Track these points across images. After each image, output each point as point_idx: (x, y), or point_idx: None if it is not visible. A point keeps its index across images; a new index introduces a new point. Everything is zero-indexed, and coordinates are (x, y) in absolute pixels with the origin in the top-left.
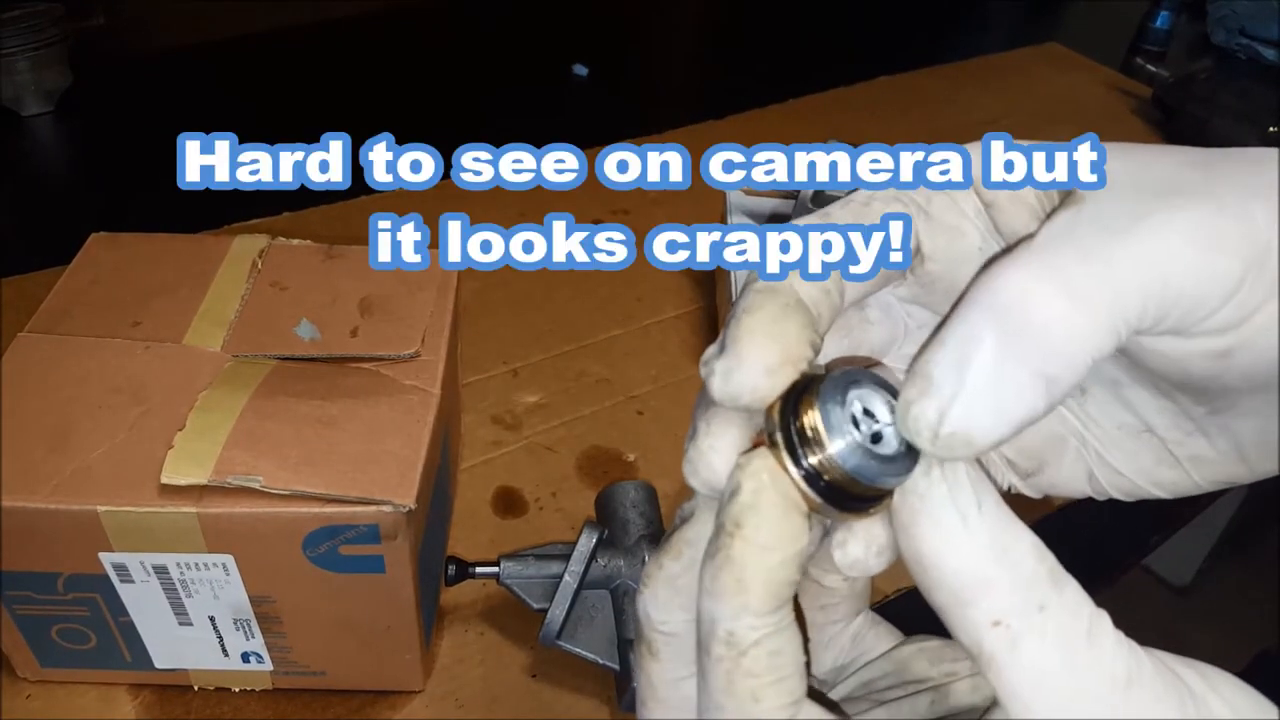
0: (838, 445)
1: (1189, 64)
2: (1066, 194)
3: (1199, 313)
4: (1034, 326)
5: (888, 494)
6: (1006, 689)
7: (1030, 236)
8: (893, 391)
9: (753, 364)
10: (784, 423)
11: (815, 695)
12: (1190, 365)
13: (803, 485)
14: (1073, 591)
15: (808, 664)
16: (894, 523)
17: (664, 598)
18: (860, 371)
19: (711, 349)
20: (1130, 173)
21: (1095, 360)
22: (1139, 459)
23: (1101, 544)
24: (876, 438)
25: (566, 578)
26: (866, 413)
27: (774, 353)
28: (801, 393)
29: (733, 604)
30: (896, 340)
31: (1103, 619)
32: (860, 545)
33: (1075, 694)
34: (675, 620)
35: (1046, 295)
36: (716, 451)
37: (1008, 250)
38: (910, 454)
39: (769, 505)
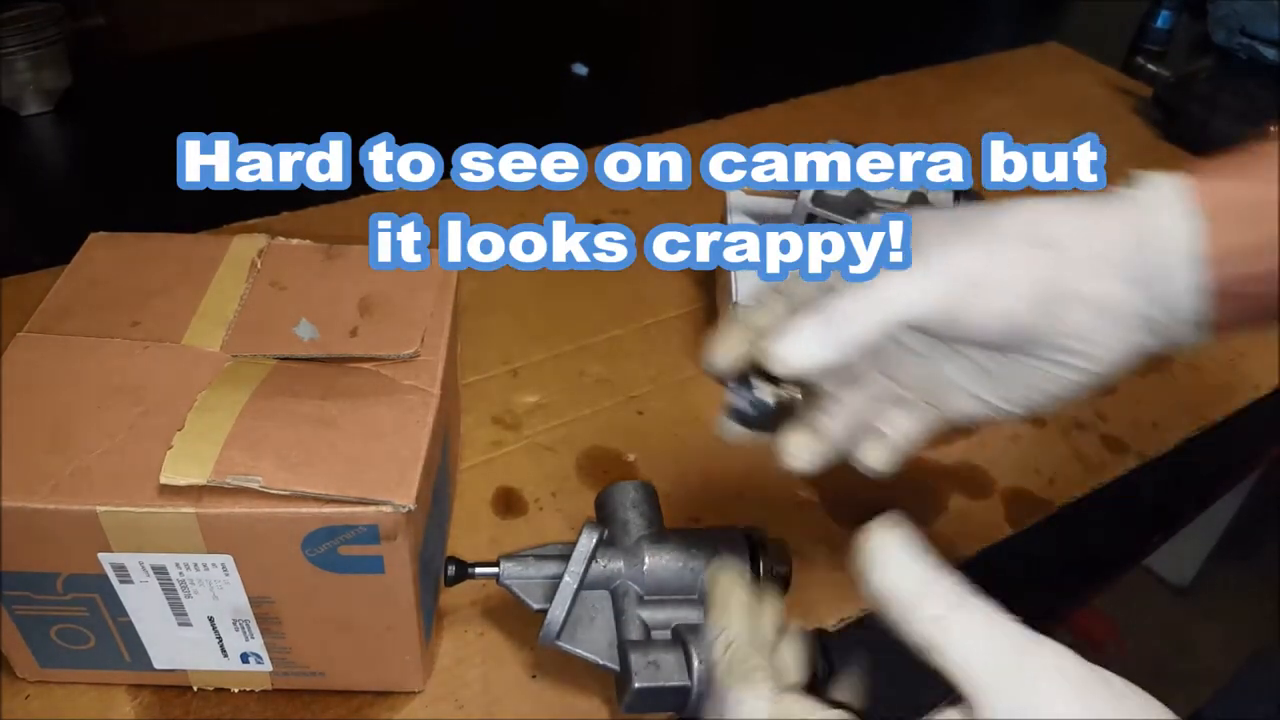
0: (729, 401)
1: (1189, 63)
2: None
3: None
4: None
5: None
6: (950, 665)
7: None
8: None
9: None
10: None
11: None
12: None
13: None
14: (979, 599)
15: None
16: (858, 568)
17: None
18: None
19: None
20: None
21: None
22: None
23: (1102, 544)
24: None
25: (566, 578)
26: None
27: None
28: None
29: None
30: None
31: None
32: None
33: (994, 651)
34: None
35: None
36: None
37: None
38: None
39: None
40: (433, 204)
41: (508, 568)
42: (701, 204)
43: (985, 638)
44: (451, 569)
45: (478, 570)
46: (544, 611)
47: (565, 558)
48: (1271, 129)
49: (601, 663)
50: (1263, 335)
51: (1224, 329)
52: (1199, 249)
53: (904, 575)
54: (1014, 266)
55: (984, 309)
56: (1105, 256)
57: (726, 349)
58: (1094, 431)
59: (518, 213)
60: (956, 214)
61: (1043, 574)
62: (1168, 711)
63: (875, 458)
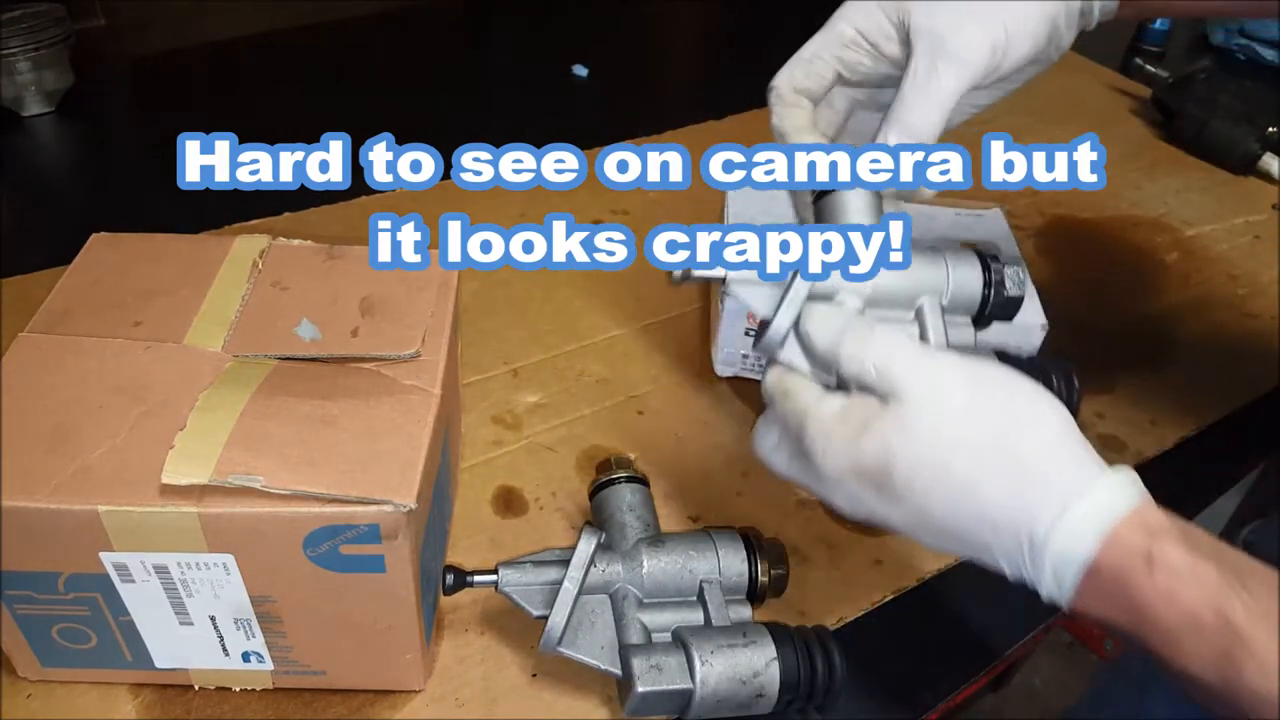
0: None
1: (1188, 64)
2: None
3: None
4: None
5: None
6: (875, 370)
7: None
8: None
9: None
10: None
11: None
12: None
13: None
14: (881, 332)
15: None
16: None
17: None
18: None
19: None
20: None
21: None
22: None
23: None
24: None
25: (566, 584)
26: None
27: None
28: None
29: None
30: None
31: (904, 338)
32: None
33: (904, 359)
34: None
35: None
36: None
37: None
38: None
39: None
40: (433, 204)
41: (506, 575)
42: (701, 204)
43: (896, 347)
44: (450, 578)
45: (476, 579)
46: (544, 618)
47: (563, 563)
48: (1271, 131)
49: (603, 668)
50: (1261, 334)
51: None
52: None
53: (829, 320)
54: (1029, 19)
55: (1012, 59)
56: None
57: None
58: (1092, 431)
59: (518, 213)
60: None
61: None
62: (1052, 400)
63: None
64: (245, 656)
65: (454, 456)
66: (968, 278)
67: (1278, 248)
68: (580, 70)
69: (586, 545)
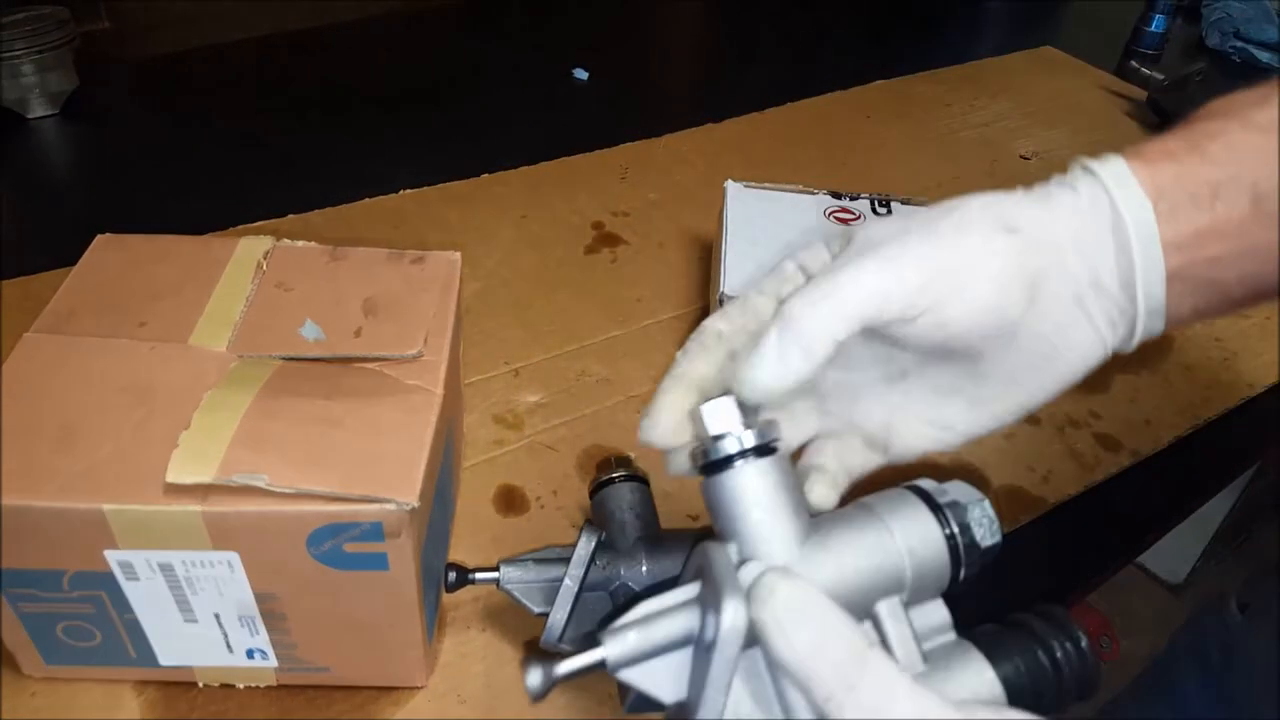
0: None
1: (1183, 67)
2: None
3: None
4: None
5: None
6: None
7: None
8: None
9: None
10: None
11: None
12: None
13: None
14: (875, 664)
15: None
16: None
17: None
18: None
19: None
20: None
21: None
22: (944, 412)
23: (1097, 542)
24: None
25: (567, 581)
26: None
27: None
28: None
29: None
30: None
31: (902, 681)
32: None
33: None
34: None
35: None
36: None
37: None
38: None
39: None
40: (435, 205)
41: (508, 573)
42: (702, 204)
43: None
44: (452, 575)
45: (478, 576)
46: (545, 615)
47: (564, 561)
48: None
49: None
50: (1258, 334)
51: (1174, 318)
52: (1159, 233)
53: (796, 646)
54: (988, 253)
55: (965, 299)
56: (1075, 243)
57: (670, 413)
58: (1088, 429)
59: (519, 214)
60: (910, 214)
61: (1037, 572)
62: None
63: (820, 495)
64: (249, 654)
65: (456, 455)
66: (926, 549)
67: None
68: (580, 73)
69: (587, 543)
